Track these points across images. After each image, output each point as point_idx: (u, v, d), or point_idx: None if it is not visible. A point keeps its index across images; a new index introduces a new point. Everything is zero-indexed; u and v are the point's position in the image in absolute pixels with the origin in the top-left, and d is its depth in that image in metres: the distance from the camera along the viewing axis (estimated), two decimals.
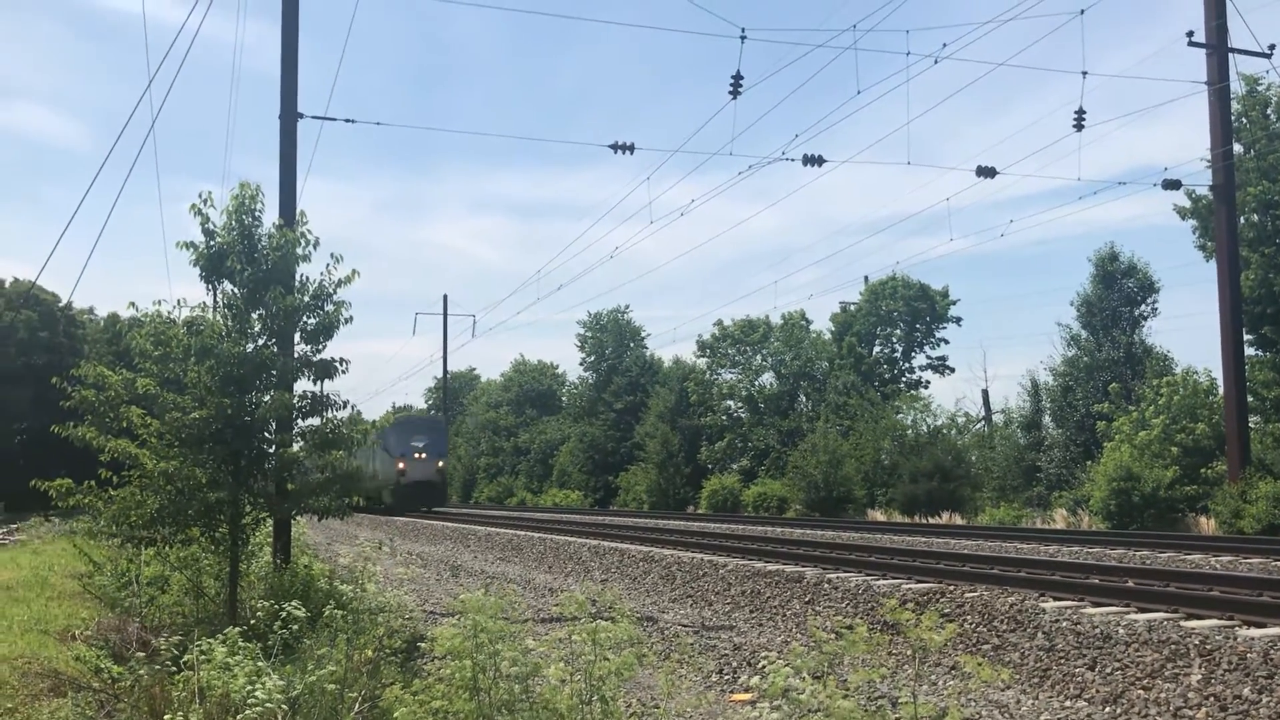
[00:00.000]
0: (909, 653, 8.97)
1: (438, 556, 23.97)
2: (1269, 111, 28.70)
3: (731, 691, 8.79)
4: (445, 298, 65.54)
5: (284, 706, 6.08)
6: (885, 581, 12.45)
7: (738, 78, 20.42)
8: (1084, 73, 22.45)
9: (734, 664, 9.84)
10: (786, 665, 5.04)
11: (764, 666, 5.08)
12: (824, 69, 64.37)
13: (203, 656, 6.89)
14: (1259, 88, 28.54)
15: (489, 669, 6.09)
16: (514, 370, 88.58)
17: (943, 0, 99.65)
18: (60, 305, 54.10)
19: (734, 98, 20.53)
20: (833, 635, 5.45)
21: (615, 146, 21.95)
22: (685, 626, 12.20)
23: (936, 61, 20.85)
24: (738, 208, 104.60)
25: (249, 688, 6.19)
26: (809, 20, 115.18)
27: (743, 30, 19.87)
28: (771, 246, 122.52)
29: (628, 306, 71.94)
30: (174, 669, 7.61)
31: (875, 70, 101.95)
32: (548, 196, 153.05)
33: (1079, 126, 22.53)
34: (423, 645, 9.48)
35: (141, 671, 7.47)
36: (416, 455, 44.81)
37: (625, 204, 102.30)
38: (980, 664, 5.19)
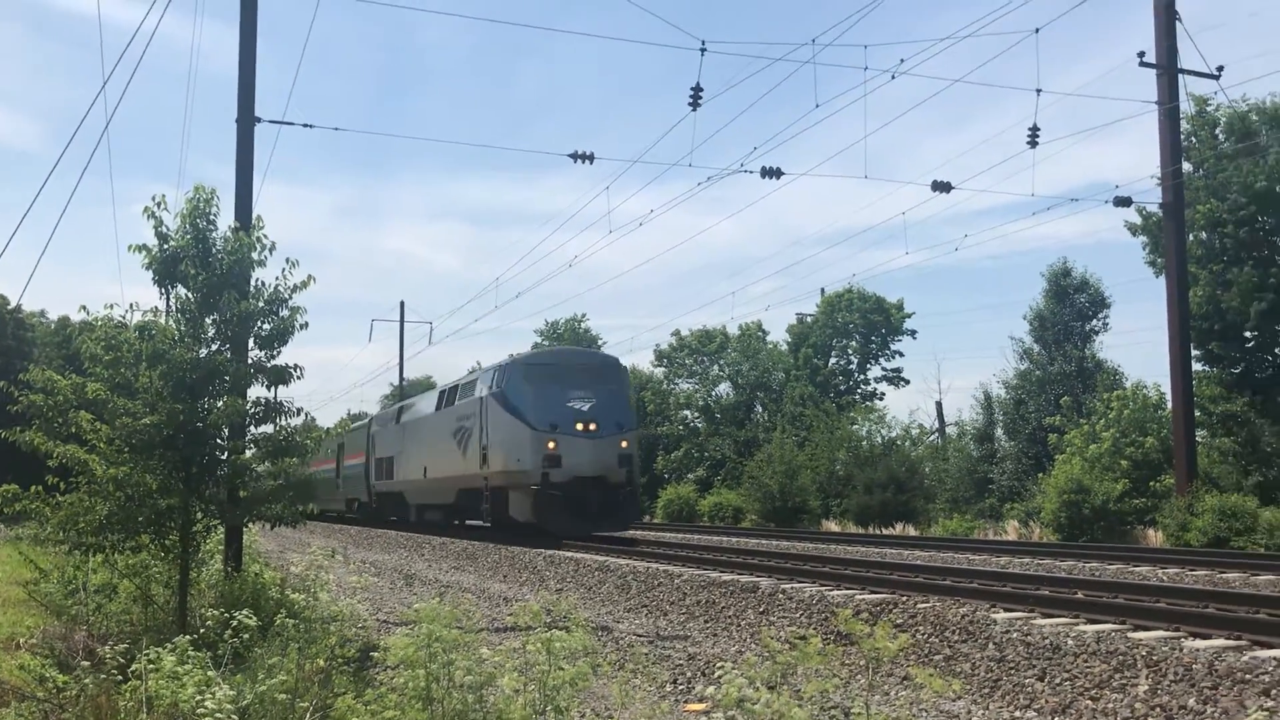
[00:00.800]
0: (862, 663, 9.03)
1: (391, 565, 23.79)
2: (1217, 131, 29.26)
3: (686, 702, 8.79)
4: (402, 304, 64.54)
5: (234, 717, 6.00)
6: (839, 592, 12.52)
7: (697, 89, 20.50)
8: (1038, 90, 22.70)
9: (688, 674, 9.85)
10: (741, 675, 5.07)
11: (718, 676, 5.10)
12: (783, 82, 65.00)
13: (151, 665, 6.80)
14: (1208, 108, 29.10)
15: (442, 679, 6.07)
16: None
17: (901, 16, 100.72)
18: (10, 308, 53.09)
19: (694, 109, 20.62)
20: (787, 645, 5.47)
21: (575, 156, 21.94)
22: (640, 636, 12.20)
23: (894, 77, 21.09)
24: (696, 218, 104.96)
25: (198, 697, 6.11)
26: (768, 34, 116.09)
27: (703, 43, 19.99)
28: (729, 257, 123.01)
29: (585, 315, 72.22)
30: (121, 678, 7.49)
31: (833, 84, 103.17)
32: (506, 204, 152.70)
33: (1033, 143, 22.80)
34: (375, 655, 9.40)
35: (87, 681, 7.35)
36: (580, 426, 23.53)
37: (584, 213, 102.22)
38: (931, 675, 5.25)
